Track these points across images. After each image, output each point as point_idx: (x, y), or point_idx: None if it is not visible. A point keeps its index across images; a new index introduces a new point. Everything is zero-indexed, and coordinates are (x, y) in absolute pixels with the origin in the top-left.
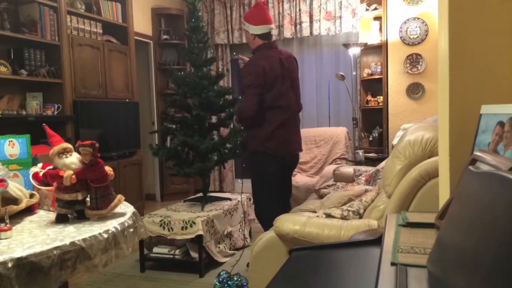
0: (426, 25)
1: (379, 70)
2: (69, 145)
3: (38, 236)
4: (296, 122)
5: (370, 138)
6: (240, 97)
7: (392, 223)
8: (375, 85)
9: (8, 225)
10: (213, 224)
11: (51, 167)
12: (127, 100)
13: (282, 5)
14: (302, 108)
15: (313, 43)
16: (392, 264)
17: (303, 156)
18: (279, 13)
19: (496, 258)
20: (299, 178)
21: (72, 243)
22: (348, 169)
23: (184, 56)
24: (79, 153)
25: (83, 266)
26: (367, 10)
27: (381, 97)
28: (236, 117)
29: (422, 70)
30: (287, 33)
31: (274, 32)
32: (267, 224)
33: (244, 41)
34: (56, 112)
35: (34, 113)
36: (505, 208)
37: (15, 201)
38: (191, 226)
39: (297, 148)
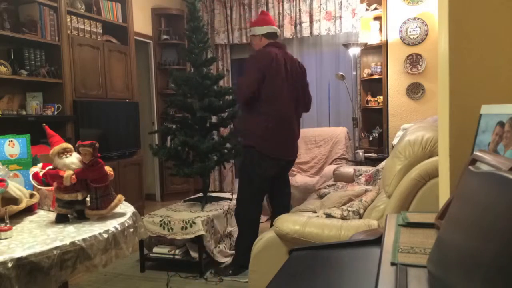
0: (426, 25)
1: (379, 70)
2: (69, 145)
3: (38, 236)
4: (293, 127)
5: (370, 138)
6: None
7: (392, 223)
8: (375, 85)
9: (8, 225)
10: (213, 224)
11: (51, 167)
12: (127, 100)
13: (282, 5)
14: (302, 114)
15: (313, 43)
16: (392, 264)
17: (303, 156)
18: (279, 13)
19: (496, 258)
20: (299, 178)
21: (72, 243)
22: (348, 169)
23: (184, 56)
24: (79, 153)
25: (83, 266)
26: (367, 10)
27: (381, 97)
28: (236, 96)
29: (422, 70)
30: (287, 33)
31: None
32: (242, 227)
33: (244, 41)
34: (56, 112)
35: (34, 113)
36: (505, 208)
37: (15, 201)
38: (191, 226)
39: (293, 154)
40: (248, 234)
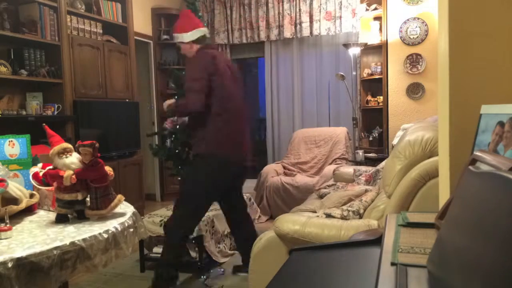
0: (426, 25)
1: (379, 70)
2: (69, 145)
3: (38, 236)
4: (245, 126)
5: (370, 138)
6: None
7: (392, 223)
8: (375, 85)
9: (8, 225)
10: (213, 224)
11: (51, 167)
12: (127, 100)
13: (282, 5)
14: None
15: (313, 43)
16: (392, 264)
17: (303, 156)
18: (279, 13)
19: (496, 258)
20: (299, 178)
21: (72, 243)
22: (348, 169)
23: (184, 56)
24: (79, 153)
25: (83, 266)
26: (367, 10)
27: (381, 97)
28: (181, 110)
29: (422, 70)
30: (287, 33)
31: (274, 32)
32: (172, 237)
33: (244, 41)
34: (56, 112)
35: (34, 113)
36: (505, 208)
37: (15, 201)
38: None
39: (246, 153)
40: (177, 253)
